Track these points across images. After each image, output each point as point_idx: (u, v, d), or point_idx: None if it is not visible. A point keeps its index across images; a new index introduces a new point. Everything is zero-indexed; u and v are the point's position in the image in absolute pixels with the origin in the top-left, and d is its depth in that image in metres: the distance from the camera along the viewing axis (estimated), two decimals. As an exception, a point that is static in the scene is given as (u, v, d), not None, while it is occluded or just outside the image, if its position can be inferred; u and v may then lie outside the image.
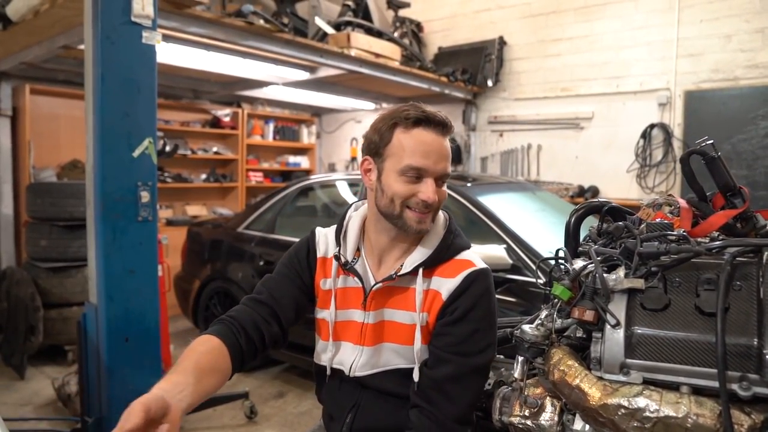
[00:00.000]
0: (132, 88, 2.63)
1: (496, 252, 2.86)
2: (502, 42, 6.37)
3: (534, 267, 2.78)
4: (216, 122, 6.91)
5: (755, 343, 0.91)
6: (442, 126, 1.30)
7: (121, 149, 2.63)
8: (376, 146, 1.33)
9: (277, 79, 5.66)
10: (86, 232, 2.78)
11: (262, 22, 3.97)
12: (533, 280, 2.76)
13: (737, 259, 1.03)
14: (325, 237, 1.46)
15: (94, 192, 2.63)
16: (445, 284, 1.33)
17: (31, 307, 3.97)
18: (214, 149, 6.99)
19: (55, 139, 5.42)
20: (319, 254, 1.43)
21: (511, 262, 2.88)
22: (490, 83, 6.37)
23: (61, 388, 3.34)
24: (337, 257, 1.40)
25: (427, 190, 1.28)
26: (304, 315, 1.46)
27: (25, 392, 3.75)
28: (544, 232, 3.30)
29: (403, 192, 1.29)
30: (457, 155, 6.64)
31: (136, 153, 2.66)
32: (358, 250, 1.42)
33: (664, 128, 5.38)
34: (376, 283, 1.36)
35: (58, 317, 4.17)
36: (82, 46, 3.06)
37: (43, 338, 4.03)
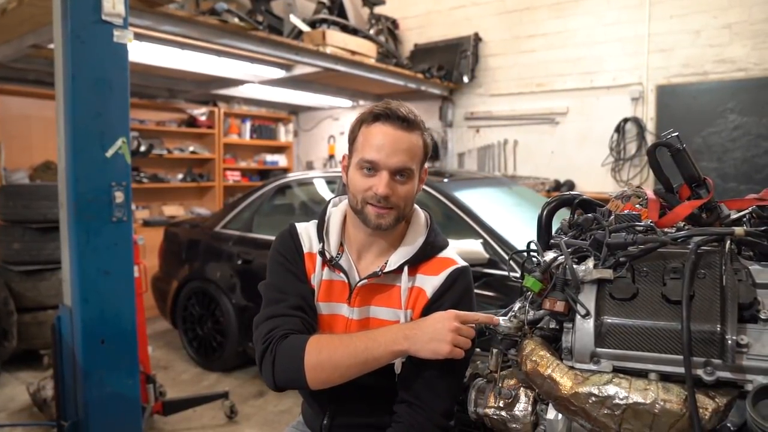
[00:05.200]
0: (104, 87, 2.59)
1: (473, 247, 2.89)
2: (477, 38, 6.41)
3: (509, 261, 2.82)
4: (192, 121, 6.84)
5: (718, 329, 0.93)
6: (401, 120, 1.30)
7: (94, 149, 2.58)
8: (349, 143, 1.39)
9: (253, 78, 5.62)
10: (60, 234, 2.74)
11: (236, 20, 3.94)
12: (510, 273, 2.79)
13: (701, 248, 1.05)
14: (306, 232, 1.45)
15: (66, 193, 2.59)
16: (429, 282, 1.35)
17: (4, 312, 3.90)
18: (191, 149, 6.92)
19: (26, 141, 5.33)
20: (305, 250, 1.42)
21: (487, 256, 2.91)
22: (465, 79, 6.40)
23: (36, 392, 3.29)
24: (321, 253, 1.40)
25: (378, 183, 1.29)
26: None
27: (0, 398, 3.69)
28: (520, 226, 3.34)
29: (360, 185, 1.31)
30: (435, 151, 6.66)
31: (109, 153, 2.62)
32: (341, 245, 1.42)
33: (637, 122, 5.48)
34: (362, 279, 1.36)
35: (32, 321, 4.10)
36: (51, 46, 3.01)
37: (18, 343, 3.97)
